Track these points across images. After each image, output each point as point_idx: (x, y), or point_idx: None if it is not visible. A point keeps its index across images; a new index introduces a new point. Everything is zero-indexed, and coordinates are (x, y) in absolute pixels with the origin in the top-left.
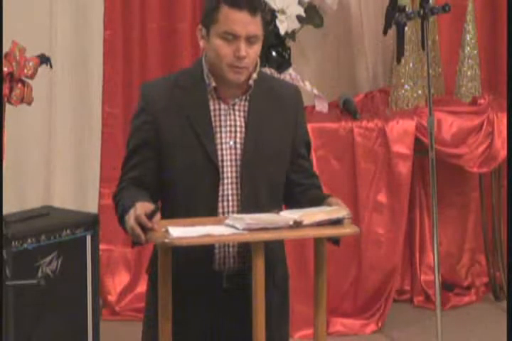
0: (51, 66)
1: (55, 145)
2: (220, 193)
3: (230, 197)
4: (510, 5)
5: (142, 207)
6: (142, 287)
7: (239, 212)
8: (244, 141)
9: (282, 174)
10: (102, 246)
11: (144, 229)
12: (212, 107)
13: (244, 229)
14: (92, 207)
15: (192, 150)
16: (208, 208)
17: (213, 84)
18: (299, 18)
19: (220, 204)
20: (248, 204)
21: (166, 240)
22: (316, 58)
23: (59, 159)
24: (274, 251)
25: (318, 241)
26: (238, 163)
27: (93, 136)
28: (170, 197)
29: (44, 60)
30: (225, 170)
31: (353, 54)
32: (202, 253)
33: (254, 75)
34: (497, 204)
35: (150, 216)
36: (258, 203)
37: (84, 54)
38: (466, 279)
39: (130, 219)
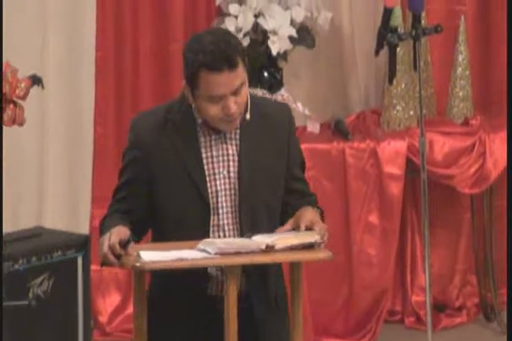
0: (43, 87)
1: (47, 165)
2: (213, 223)
3: (226, 227)
4: (510, 5)
5: (117, 235)
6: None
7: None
8: (238, 169)
9: (279, 198)
10: (93, 267)
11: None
12: (202, 139)
13: (216, 254)
14: (83, 228)
15: (181, 182)
16: (198, 239)
17: (200, 120)
18: (291, 38)
19: (215, 234)
20: (246, 232)
21: (137, 264)
22: (308, 79)
23: (51, 179)
24: (270, 272)
25: (293, 266)
26: (233, 191)
27: (85, 156)
28: (161, 229)
29: (36, 80)
30: (220, 199)
31: (345, 74)
32: (196, 277)
33: (247, 115)
34: (488, 225)
35: (124, 245)
36: (258, 230)
37: (76, 75)
38: (458, 300)
39: (104, 245)
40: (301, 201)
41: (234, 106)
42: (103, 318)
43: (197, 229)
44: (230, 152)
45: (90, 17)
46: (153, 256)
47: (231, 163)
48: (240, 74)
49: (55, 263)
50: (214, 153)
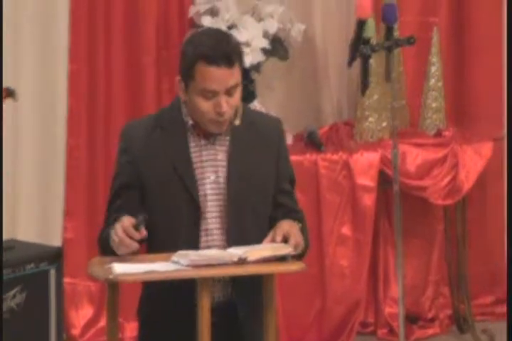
0: (16, 99)
1: (20, 177)
2: (203, 227)
3: (214, 232)
4: (510, 5)
5: (128, 220)
6: (105, 320)
7: (225, 245)
8: (227, 175)
9: (267, 207)
10: (66, 280)
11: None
12: (192, 143)
13: (188, 266)
14: (56, 240)
15: (172, 186)
16: (189, 242)
17: (191, 122)
18: (264, 50)
19: (202, 239)
20: (234, 237)
21: (110, 276)
22: (281, 90)
23: (23, 191)
24: (257, 282)
25: (266, 278)
26: (221, 197)
27: (57, 168)
28: (153, 233)
29: (9, 93)
30: (208, 204)
31: (318, 86)
32: (185, 288)
33: (237, 121)
34: (461, 237)
35: (137, 227)
36: (244, 236)
37: (49, 87)
38: (430, 311)
39: (118, 231)
40: (287, 216)
41: (225, 105)
42: (76, 331)
43: (188, 233)
44: (219, 157)
45: (63, 30)
46: (126, 268)
47: (219, 169)
48: (236, 74)
49: (28, 275)
50: (204, 158)
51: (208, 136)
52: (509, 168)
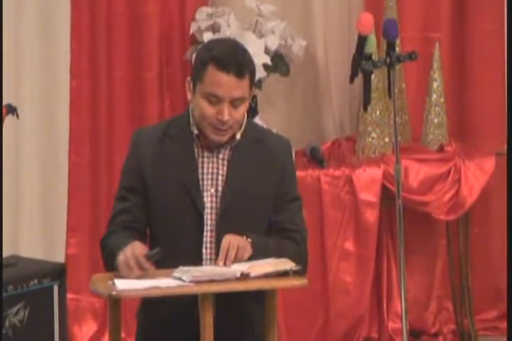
0: (18, 116)
1: (23, 194)
2: (205, 240)
3: (208, 245)
4: (510, 5)
5: (140, 247)
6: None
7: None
8: (224, 189)
9: (262, 225)
10: (69, 296)
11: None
12: (197, 155)
13: (190, 281)
14: (59, 256)
15: (177, 197)
16: (192, 254)
17: (196, 131)
18: (265, 66)
19: (204, 251)
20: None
21: (113, 293)
22: (282, 107)
23: (26, 208)
24: (248, 304)
25: (268, 294)
26: (218, 211)
27: (60, 184)
28: (156, 243)
29: (11, 109)
30: (205, 217)
31: (320, 102)
32: (185, 303)
33: (238, 136)
34: (464, 252)
35: (149, 258)
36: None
37: (51, 103)
38: (434, 326)
39: (129, 255)
40: (279, 234)
41: (228, 114)
42: None
43: (191, 244)
44: (220, 171)
45: (64, 45)
46: (128, 284)
47: (219, 183)
48: (244, 87)
49: (31, 292)
50: (205, 170)
51: (212, 149)
52: (509, 184)
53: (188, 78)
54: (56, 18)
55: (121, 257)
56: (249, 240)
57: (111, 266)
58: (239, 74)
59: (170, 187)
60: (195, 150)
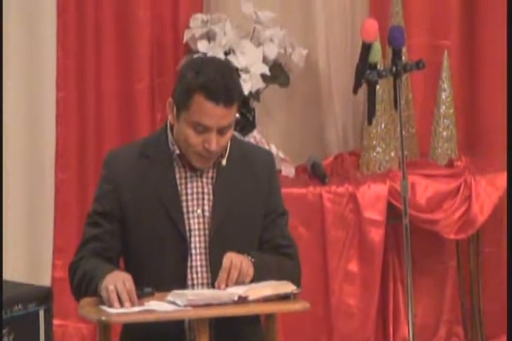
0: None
1: (6, 214)
2: (189, 264)
3: (199, 269)
4: (510, 5)
5: (129, 281)
6: None
7: (210, 284)
8: (212, 209)
9: (253, 243)
10: (55, 322)
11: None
12: (178, 175)
13: (185, 306)
14: (44, 279)
15: (158, 220)
16: (176, 280)
17: (177, 151)
18: (263, 76)
19: (189, 276)
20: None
21: (103, 318)
22: (282, 119)
23: (10, 228)
24: (245, 327)
25: (268, 318)
26: (207, 232)
27: (46, 203)
28: (137, 269)
29: None
30: (192, 240)
31: (322, 114)
32: (171, 330)
33: (224, 161)
34: (475, 273)
35: (140, 296)
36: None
37: (37, 116)
38: None
39: (120, 289)
40: (274, 252)
41: (215, 144)
42: None
43: (175, 269)
44: (205, 190)
45: (50, 55)
46: (121, 309)
47: (206, 202)
48: (232, 114)
49: (16, 317)
50: (189, 191)
51: (195, 168)
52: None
53: (170, 99)
54: (42, 25)
55: (110, 287)
56: (251, 259)
57: (85, 291)
58: (229, 103)
59: (150, 210)
60: (176, 170)
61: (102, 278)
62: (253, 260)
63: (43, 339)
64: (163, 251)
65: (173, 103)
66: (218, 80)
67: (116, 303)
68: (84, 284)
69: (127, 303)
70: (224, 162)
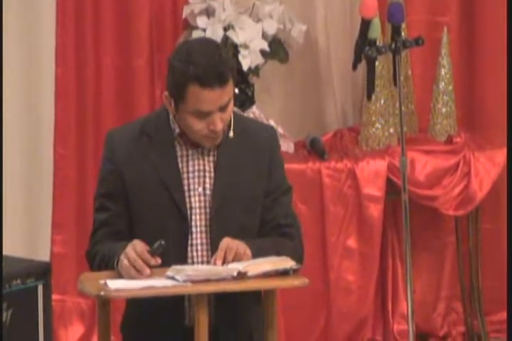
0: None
1: (5, 189)
2: (189, 242)
3: (199, 247)
4: (510, 5)
5: (140, 244)
6: (97, 338)
7: (210, 262)
8: (213, 187)
9: (255, 219)
10: (54, 297)
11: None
12: (179, 153)
13: (185, 281)
14: (43, 254)
15: (159, 198)
16: (177, 258)
17: (177, 130)
18: (262, 52)
19: (189, 254)
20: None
21: (102, 293)
22: (281, 95)
23: (9, 203)
24: (246, 307)
25: (266, 294)
26: (208, 210)
27: (44, 178)
28: None
29: None
30: (193, 218)
31: (321, 90)
32: (171, 307)
33: (231, 133)
34: (474, 249)
35: (153, 253)
36: None
37: (35, 92)
38: (442, 328)
39: (130, 254)
40: (276, 232)
41: (220, 123)
42: None
43: (176, 247)
44: (207, 168)
45: (49, 30)
46: (120, 284)
47: (207, 180)
48: (229, 90)
49: (14, 292)
50: (190, 169)
51: (196, 146)
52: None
53: (166, 93)
54: (40, 2)
55: (124, 261)
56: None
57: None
58: (223, 84)
59: (151, 188)
60: (177, 149)
61: (118, 256)
62: (249, 243)
63: (42, 314)
64: (164, 229)
65: (169, 96)
66: (206, 65)
67: (135, 273)
68: (103, 266)
69: (145, 269)
70: (231, 134)
